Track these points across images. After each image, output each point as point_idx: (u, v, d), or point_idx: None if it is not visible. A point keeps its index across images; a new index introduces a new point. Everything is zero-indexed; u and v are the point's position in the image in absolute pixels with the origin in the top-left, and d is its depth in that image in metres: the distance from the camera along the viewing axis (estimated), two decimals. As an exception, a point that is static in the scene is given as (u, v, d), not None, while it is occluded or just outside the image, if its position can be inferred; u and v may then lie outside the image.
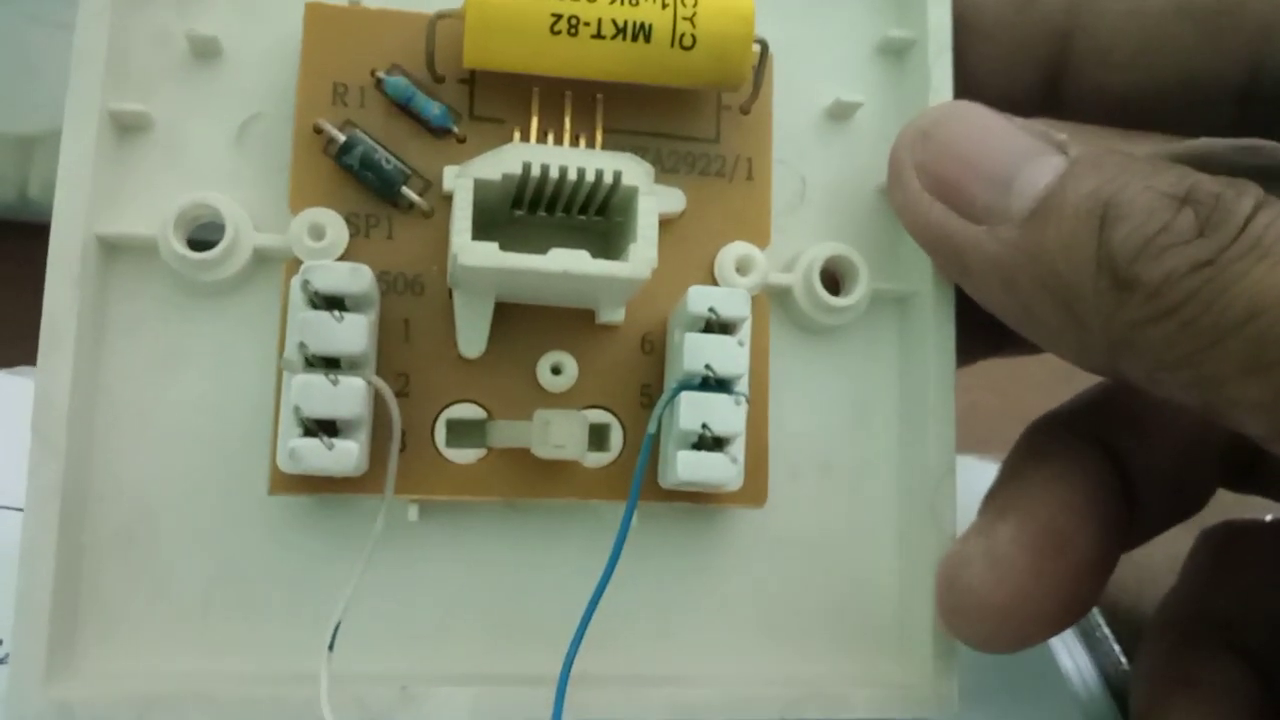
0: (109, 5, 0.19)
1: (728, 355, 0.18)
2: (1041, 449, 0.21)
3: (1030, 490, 0.20)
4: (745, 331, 0.18)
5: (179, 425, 0.19)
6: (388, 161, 0.19)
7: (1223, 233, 0.16)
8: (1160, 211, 0.17)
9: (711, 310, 0.18)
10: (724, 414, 0.18)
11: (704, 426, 0.18)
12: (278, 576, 0.19)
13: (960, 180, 0.19)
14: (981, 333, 0.21)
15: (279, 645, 0.19)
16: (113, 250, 0.19)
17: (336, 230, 0.19)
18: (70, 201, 0.18)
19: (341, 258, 0.19)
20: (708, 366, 0.18)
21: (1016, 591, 0.19)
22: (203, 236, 0.19)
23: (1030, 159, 0.18)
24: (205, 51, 0.20)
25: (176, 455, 0.19)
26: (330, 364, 0.17)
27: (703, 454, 0.18)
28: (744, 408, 0.18)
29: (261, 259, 0.19)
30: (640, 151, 0.20)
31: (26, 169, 0.33)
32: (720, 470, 0.18)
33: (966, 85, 0.21)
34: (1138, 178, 0.17)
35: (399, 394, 0.19)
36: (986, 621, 0.19)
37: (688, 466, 0.18)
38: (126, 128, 0.19)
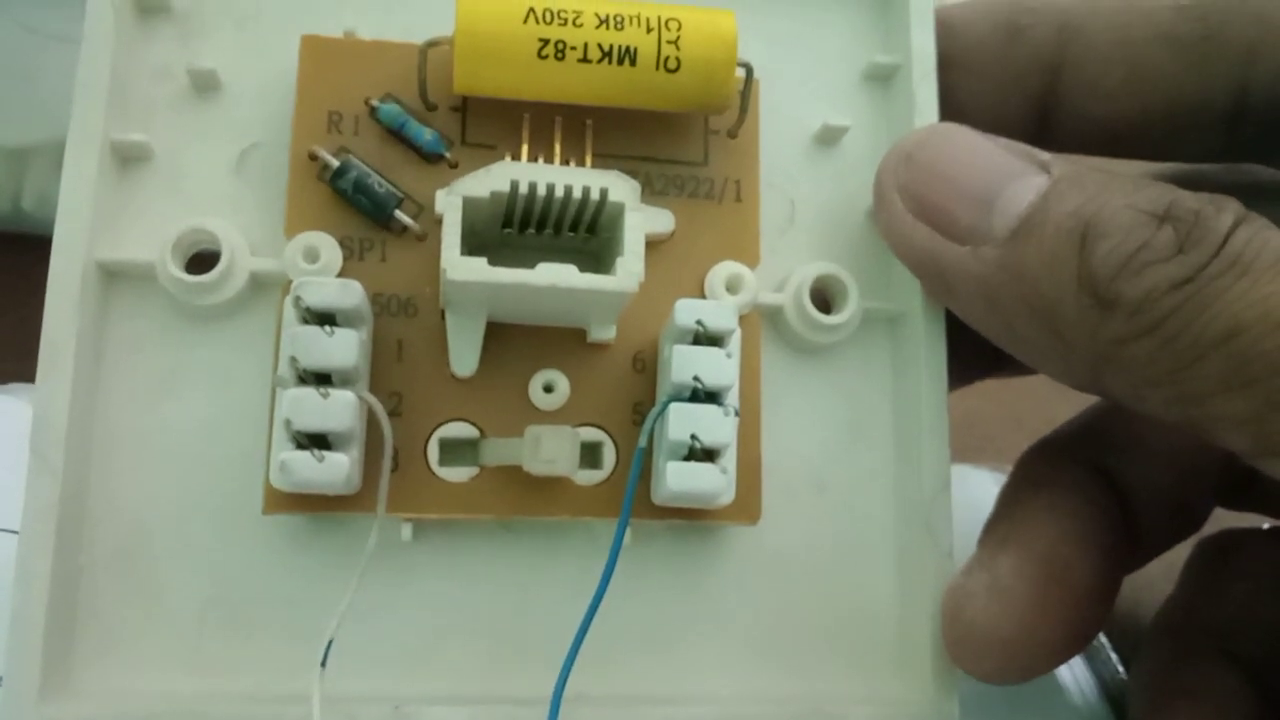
0: (112, 39, 0.19)
1: (716, 366, 0.18)
2: (1038, 477, 0.21)
3: (1030, 520, 0.20)
4: (734, 344, 0.18)
5: (175, 447, 0.19)
6: (380, 186, 0.19)
7: (1202, 250, 0.16)
8: (1140, 229, 0.17)
9: (699, 323, 0.18)
10: (713, 425, 0.18)
11: (693, 437, 0.18)
12: (272, 597, 0.19)
13: (943, 201, 0.19)
14: (977, 354, 0.21)
15: (273, 665, 0.19)
16: (112, 276, 0.19)
17: (330, 253, 0.19)
18: (71, 229, 0.19)
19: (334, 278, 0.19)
20: (696, 378, 0.18)
21: (1021, 624, 0.19)
22: (205, 254, 0.20)
23: (1013, 178, 0.18)
24: (205, 84, 0.20)
25: (172, 476, 0.19)
26: (322, 380, 0.18)
27: (693, 465, 0.18)
28: (733, 419, 0.18)
29: (258, 283, 0.20)
30: (630, 175, 0.20)
31: (20, 181, 0.33)
32: (710, 480, 0.18)
33: (958, 121, 0.21)
34: (1118, 195, 0.17)
35: (392, 414, 0.19)
36: (993, 655, 0.19)
37: (678, 477, 0.18)
38: (127, 158, 0.20)
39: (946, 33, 0.22)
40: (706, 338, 0.18)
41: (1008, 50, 0.23)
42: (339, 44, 0.20)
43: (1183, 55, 0.22)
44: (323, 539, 0.19)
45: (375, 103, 0.20)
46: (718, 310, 0.18)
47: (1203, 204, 0.17)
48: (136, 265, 0.19)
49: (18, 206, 0.33)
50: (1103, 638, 0.26)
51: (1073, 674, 0.25)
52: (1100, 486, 0.21)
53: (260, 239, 0.20)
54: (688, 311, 0.18)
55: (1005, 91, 0.23)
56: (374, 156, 0.20)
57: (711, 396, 0.18)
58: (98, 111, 0.19)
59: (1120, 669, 0.25)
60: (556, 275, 0.18)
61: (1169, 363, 0.16)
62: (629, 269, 0.18)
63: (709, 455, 0.18)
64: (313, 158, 0.20)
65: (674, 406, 0.18)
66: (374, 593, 0.19)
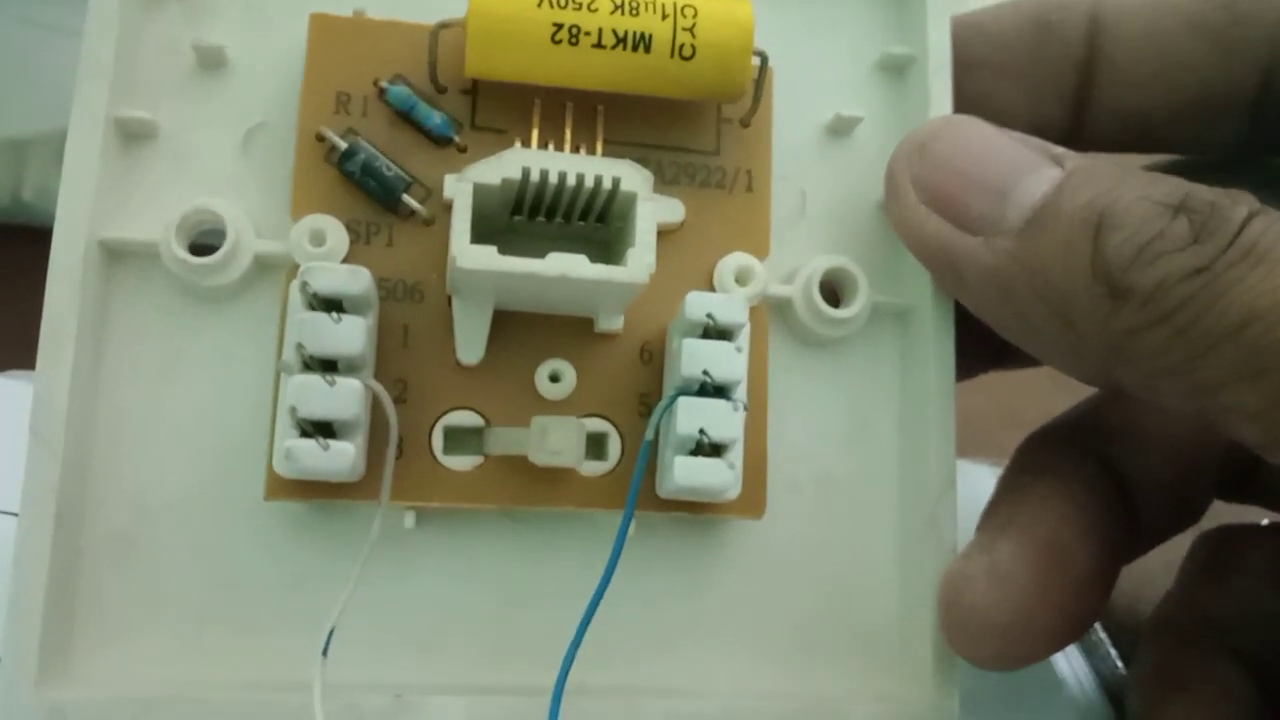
0: (117, 15, 0.19)
1: (726, 361, 0.18)
2: (1039, 463, 0.21)
3: (1030, 506, 0.20)
4: (743, 338, 0.18)
5: (177, 430, 0.19)
6: (389, 169, 0.19)
7: (1217, 240, 0.16)
8: (1155, 220, 0.17)
9: (709, 316, 0.18)
10: (722, 420, 0.18)
11: (702, 432, 0.18)
12: (273, 582, 0.19)
13: (956, 192, 0.19)
14: (981, 346, 0.21)
15: (274, 651, 0.19)
16: (115, 255, 0.19)
17: (337, 237, 0.19)
18: (74, 207, 0.19)
19: (342, 264, 0.19)
20: (705, 372, 0.18)
21: (1020, 609, 0.19)
22: (207, 242, 0.19)
23: (1027, 171, 0.18)
24: (211, 61, 0.20)
25: (174, 460, 0.19)
26: (328, 366, 0.17)
27: (700, 459, 0.18)
28: (741, 414, 0.18)
29: (262, 265, 0.19)
30: (640, 163, 0.20)
31: (20, 172, 0.32)
32: (718, 476, 0.18)
33: (992, 121, 0.21)
34: (1133, 188, 0.17)
35: (397, 400, 0.19)
36: (991, 640, 0.19)
37: (685, 471, 0.18)
38: (132, 135, 0.19)
39: (977, 33, 0.22)
40: (716, 331, 0.18)
41: (1039, 48, 0.23)
42: (348, 23, 0.20)
43: (1210, 43, 0.22)
44: (325, 526, 0.19)
45: (384, 84, 0.19)
46: (728, 304, 0.18)
47: (1218, 196, 0.17)
48: (140, 244, 0.19)
49: (18, 198, 0.32)
50: (1102, 633, 0.26)
51: (1072, 669, 0.25)
52: (1100, 475, 0.21)
53: (265, 220, 0.20)
54: (698, 305, 0.18)
55: (1039, 89, 0.23)
56: (382, 139, 0.19)
57: (720, 391, 0.18)
58: (102, 88, 0.19)
59: (1119, 664, 0.25)
60: (567, 265, 0.17)
61: (1181, 352, 0.16)
62: (640, 260, 0.18)
63: (716, 450, 0.18)
64: (320, 139, 0.19)
65: (682, 401, 0.18)
66: (376, 581, 0.19)
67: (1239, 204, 0.17)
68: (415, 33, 0.20)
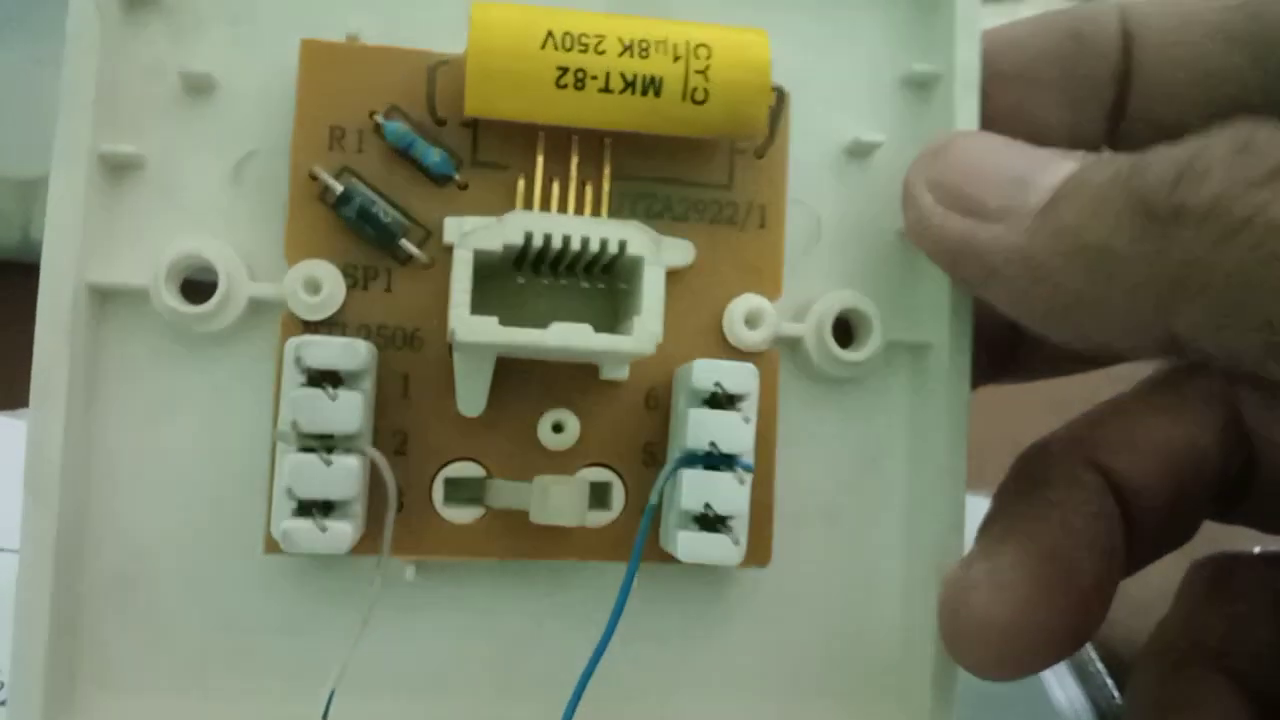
0: (98, 40, 0.18)
1: (732, 432, 0.17)
2: (1037, 474, 0.21)
3: (1030, 515, 0.20)
4: (751, 404, 0.18)
5: (174, 474, 0.19)
6: (386, 214, 0.18)
7: (1270, 156, 0.14)
8: (1190, 145, 0.15)
9: (718, 385, 0.17)
10: (727, 493, 0.17)
11: (706, 506, 0.17)
12: (274, 629, 0.19)
13: (974, 189, 0.18)
14: (978, 357, 0.21)
15: (275, 697, 0.19)
16: (105, 298, 0.19)
17: (333, 284, 0.18)
18: (60, 249, 0.18)
19: (338, 312, 0.18)
20: (712, 444, 0.17)
21: (1022, 616, 0.19)
22: (202, 279, 0.19)
23: (1046, 163, 0.18)
24: (198, 87, 0.19)
25: (172, 505, 0.19)
26: (324, 436, 0.17)
27: (704, 535, 0.18)
28: (747, 485, 0.18)
29: (257, 308, 0.19)
30: (649, 199, 0.19)
31: (30, 211, 0.32)
32: (721, 550, 0.18)
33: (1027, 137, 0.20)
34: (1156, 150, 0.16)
35: (396, 452, 0.18)
36: (991, 647, 0.19)
37: (688, 547, 0.18)
38: (118, 169, 0.19)
39: (1010, 46, 0.21)
40: (724, 398, 0.18)
41: (1076, 61, 0.22)
42: (341, 50, 0.19)
43: (1241, 50, 0.21)
44: (325, 576, 0.19)
45: (380, 120, 0.18)
46: (737, 372, 0.18)
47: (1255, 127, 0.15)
48: (129, 289, 0.18)
49: (27, 236, 0.32)
50: (1098, 662, 0.26)
51: (1068, 697, 0.26)
52: (1098, 486, 0.20)
53: (259, 256, 0.19)
54: (707, 373, 0.17)
55: (1076, 101, 0.22)
56: (379, 176, 0.19)
57: (726, 459, 0.18)
58: (85, 120, 0.18)
59: (1115, 693, 0.26)
60: (570, 336, 0.17)
61: (1257, 274, 0.14)
62: (646, 329, 0.17)
63: (721, 520, 0.18)
64: (314, 178, 0.18)
65: (687, 474, 0.17)
66: (376, 630, 0.19)
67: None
68: (412, 59, 0.19)
